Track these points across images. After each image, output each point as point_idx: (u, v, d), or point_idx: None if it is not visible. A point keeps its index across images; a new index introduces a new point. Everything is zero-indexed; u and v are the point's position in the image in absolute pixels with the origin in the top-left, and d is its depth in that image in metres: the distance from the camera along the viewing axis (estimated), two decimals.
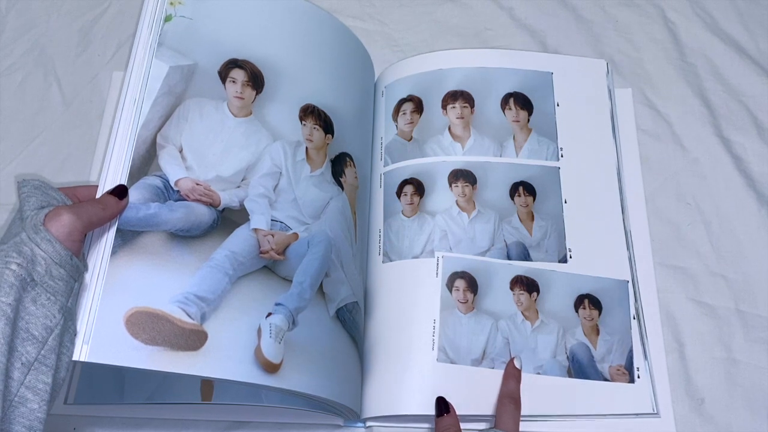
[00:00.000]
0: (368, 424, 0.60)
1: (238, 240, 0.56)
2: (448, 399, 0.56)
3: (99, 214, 0.48)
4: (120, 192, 0.51)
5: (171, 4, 0.59)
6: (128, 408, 0.59)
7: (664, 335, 0.63)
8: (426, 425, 0.60)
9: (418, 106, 0.69)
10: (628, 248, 0.65)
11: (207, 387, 0.56)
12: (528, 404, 0.57)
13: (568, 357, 0.60)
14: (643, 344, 0.61)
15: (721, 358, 0.63)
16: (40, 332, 0.42)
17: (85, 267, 0.48)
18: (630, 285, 0.63)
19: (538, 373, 0.59)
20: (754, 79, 0.76)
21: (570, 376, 0.60)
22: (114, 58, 0.77)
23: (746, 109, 0.74)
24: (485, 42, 0.79)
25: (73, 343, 0.46)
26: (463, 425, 0.56)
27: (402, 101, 0.69)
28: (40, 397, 0.42)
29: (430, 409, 0.56)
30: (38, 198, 0.47)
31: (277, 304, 0.54)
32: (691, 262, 0.67)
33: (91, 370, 0.59)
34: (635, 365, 0.61)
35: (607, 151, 0.69)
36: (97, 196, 0.51)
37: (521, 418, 0.56)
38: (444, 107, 0.68)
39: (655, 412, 0.59)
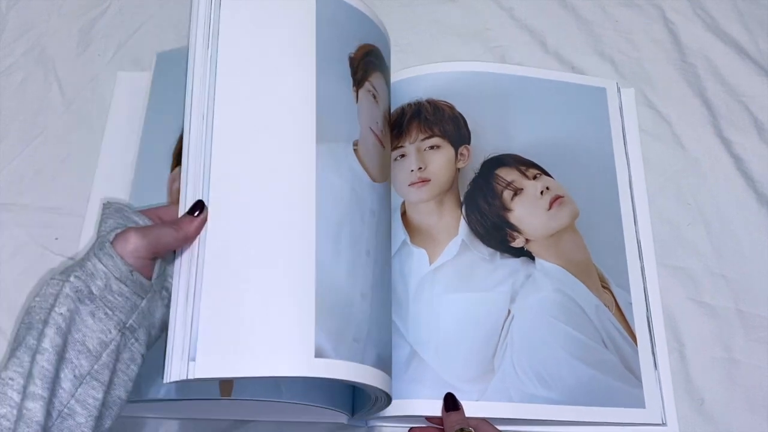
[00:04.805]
0: (369, 423, 0.60)
1: None
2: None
3: (171, 235, 0.46)
4: (196, 209, 0.48)
5: None
6: (127, 408, 0.58)
7: (666, 336, 0.63)
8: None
9: None
10: (639, 258, 0.65)
11: (227, 382, 0.55)
12: (535, 408, 0.57)
13: None
14: (653, 355, 0.61)
15: (721, 358, 0.63)
16: (94, 346, 0.42)
17: (167, 289, 0.48)
18: (643, 296, 0.64)
19: None
20: (754, 79, 0.76)
21: None
22: (114, 58, 0.77)
23: (746, 109, 0.74)
24: (485, 42, 0.79)
25: (135, 363, 0.45)
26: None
27: None
28: (88, 412, 0.41)
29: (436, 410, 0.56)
30: (115, 220, 0.47)
31: None
32: (691, 262, 0.67)
33: None
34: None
35: (620, 170, 0.69)
36: (180, 215, 0.49)
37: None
38: None
39: (663, 422, 0.59)
